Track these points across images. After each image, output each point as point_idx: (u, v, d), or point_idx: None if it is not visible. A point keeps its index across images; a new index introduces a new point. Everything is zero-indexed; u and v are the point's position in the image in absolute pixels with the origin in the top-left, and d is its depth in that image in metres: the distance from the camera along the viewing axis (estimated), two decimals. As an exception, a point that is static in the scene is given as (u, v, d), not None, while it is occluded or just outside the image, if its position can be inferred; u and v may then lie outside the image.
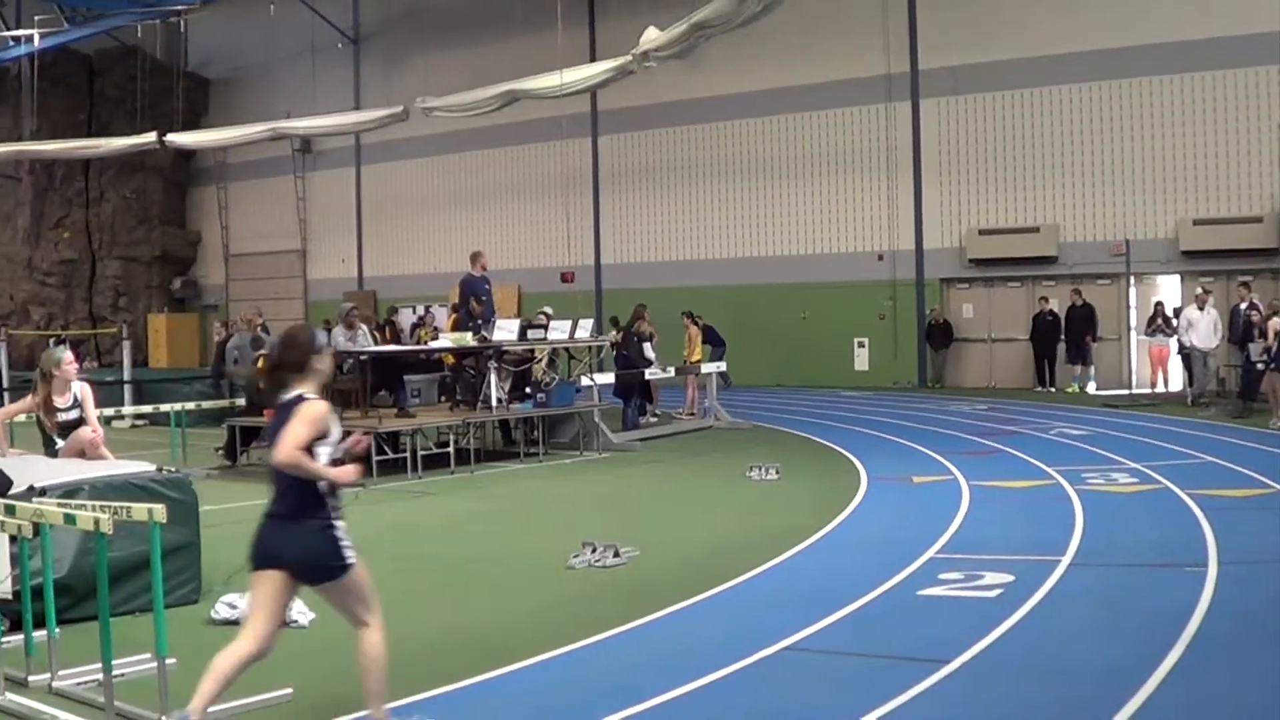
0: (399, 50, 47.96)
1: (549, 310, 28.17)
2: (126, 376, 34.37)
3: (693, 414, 30.30)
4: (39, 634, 9.71)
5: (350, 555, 8.04)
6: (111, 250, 54.18)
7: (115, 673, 8.60)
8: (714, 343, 36.30)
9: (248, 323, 29.35)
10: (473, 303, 25.26)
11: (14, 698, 9.22)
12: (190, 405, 25.52)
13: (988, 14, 36.44)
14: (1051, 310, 35.61)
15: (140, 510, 8.70)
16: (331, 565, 8.01)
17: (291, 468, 7.66)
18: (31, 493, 10.94)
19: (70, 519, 8.86)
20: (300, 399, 7.89)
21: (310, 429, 7.76)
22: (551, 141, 43.46)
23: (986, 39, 36.48)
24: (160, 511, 8.49)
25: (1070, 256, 35.96)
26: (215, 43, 53.67)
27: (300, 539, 7.92)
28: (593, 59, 38.19)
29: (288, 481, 7.81)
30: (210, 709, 7.99)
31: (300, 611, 11.19)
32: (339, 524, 8.00)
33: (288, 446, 7.63)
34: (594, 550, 13.74)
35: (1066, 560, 12.90)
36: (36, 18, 46.66)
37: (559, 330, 25.45)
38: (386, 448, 21.52)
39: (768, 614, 11.12)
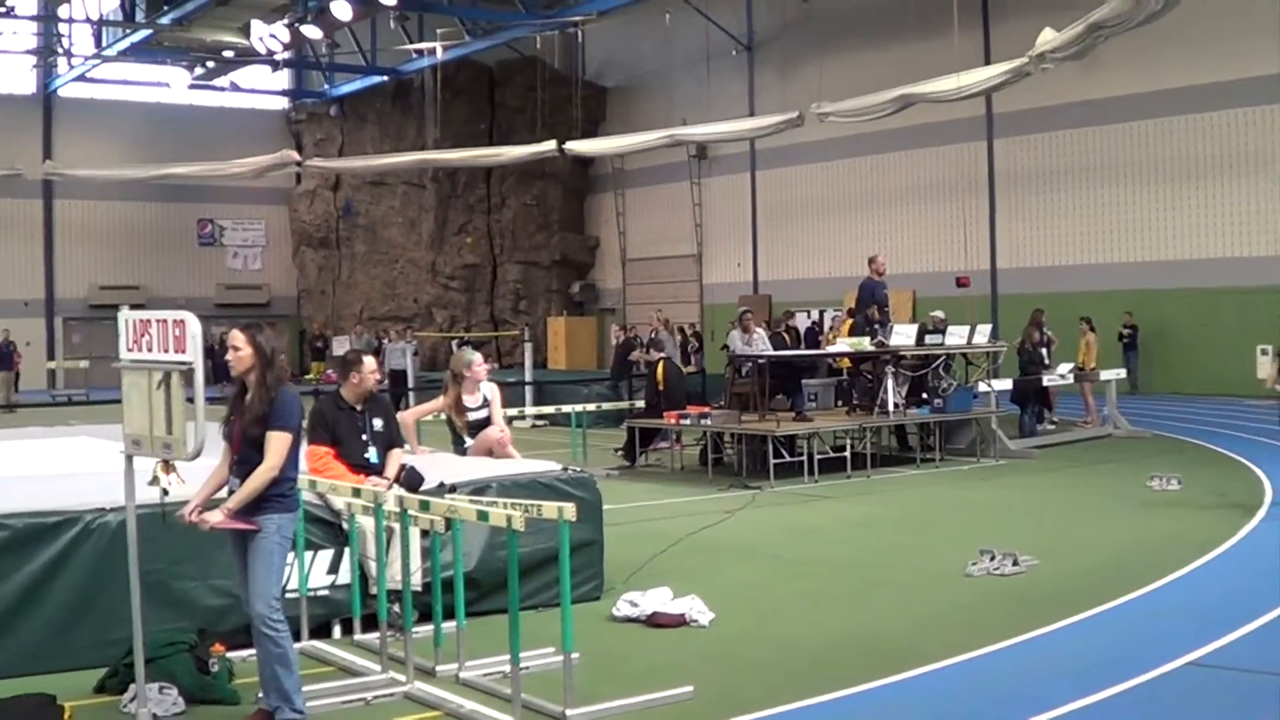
0: (793, 56, 48.05)
1: (940, 314, 27.88)
2: (528, 378, 35.14)
3: (1090, 421, 29.62)
4: (448, 625, 9.94)
5: None
6: (512, 255, 55.57)
7: (521, 666, 8.73)
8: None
9: (664, 323, 29.68)
10: (871, 308, 25.16)
11: (423, 686, 9.44)
12: (590, 406, 25.95)
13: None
14: None
15: (550, 508, 8.83)
16: None
17: None
18: (442, 489, 11.24)
19: (483, 516, 9.04)
20: None
21: None
22: (947, 145, 43.03)
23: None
24: (570, 510, 8.60)
25: None
26: (612, 52, 54.59)
27: None
28: (987, 61, 37.66)
29: None
30: (610, 705, 8.23)
31: (700, 611, 11.26)
32: None
33: None
34: (992, 558, 13.51)
35: None
36: (439, 31, 48.10)
37: (956, 335, 25.14)
38: (784, 451, 21.55)
39: (1169, 628, 10.79)
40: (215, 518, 8.36)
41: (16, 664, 9.77)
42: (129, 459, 8.28)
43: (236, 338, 8.49)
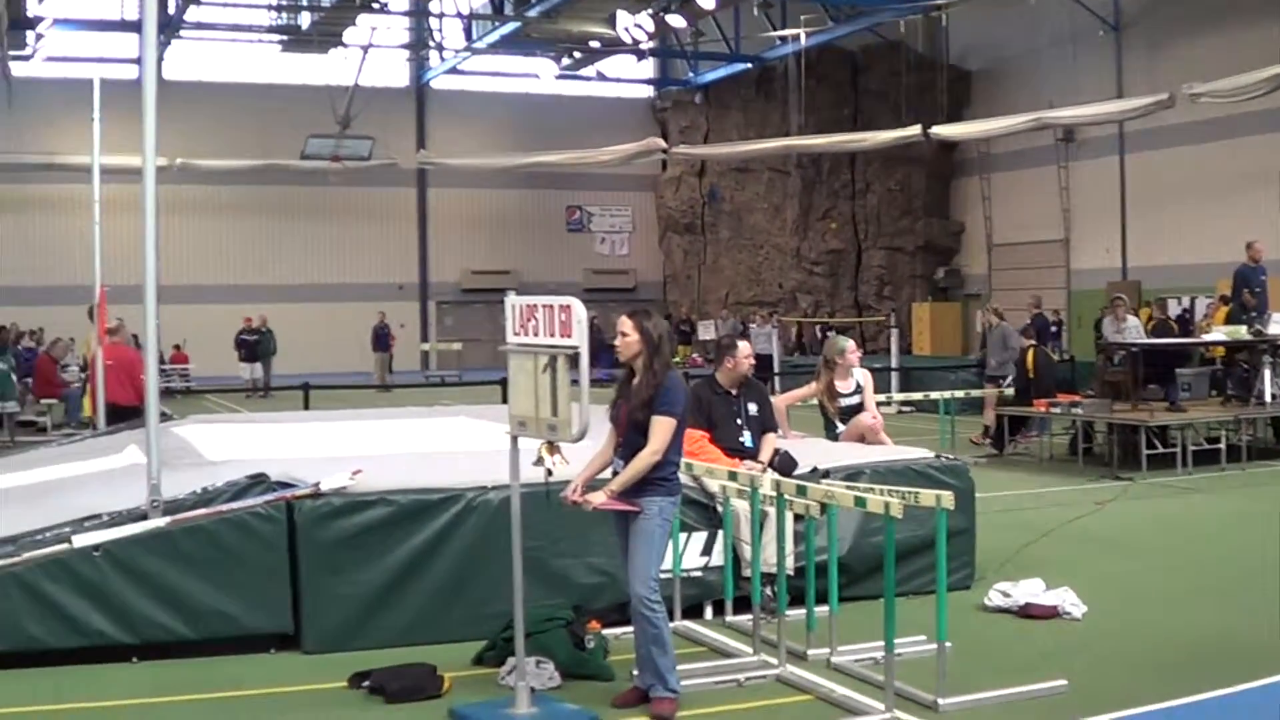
0: (1162, 36, 46.71)
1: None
2: (893, 364, 34.98)
3: None
4: (820, 610, 10.00)
5: None
6: (876, 241, 55.24)
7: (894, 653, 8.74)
8: None
9: (993, 311, 29.12)
10: (1246, 294, 24.42)
11: (794, 670, 9.53)
12: (958, 393, 25.62)
13: None
14: None
15: (928, 496, 8.82)
16: None
17: None
18: (815, 474, 11.31)
19: (860, 502, 9.07)
20: None
21: None
22: (1326, 124, 41.53)
23: None
24: (948, 498, 8.57)
25: None
26: (976, 34, 53.79)
27: None
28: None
29: None
30: (983, 695, 8.31)
31: (1073, 604, 11.12)
32: None
33: None
34: (1378, 557, 13.06)
35: None
36: (802, 17, 48.10)
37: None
38: (1156, 442, 21.04)
39: None
40: (598, 499, 8.55)
41: (398, 635, 10.20)
42: (514, 439, 8.53)
43: (625, 323, 8.67)
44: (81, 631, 9.74)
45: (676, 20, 46.60)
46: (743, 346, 12.17)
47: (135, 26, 48.07)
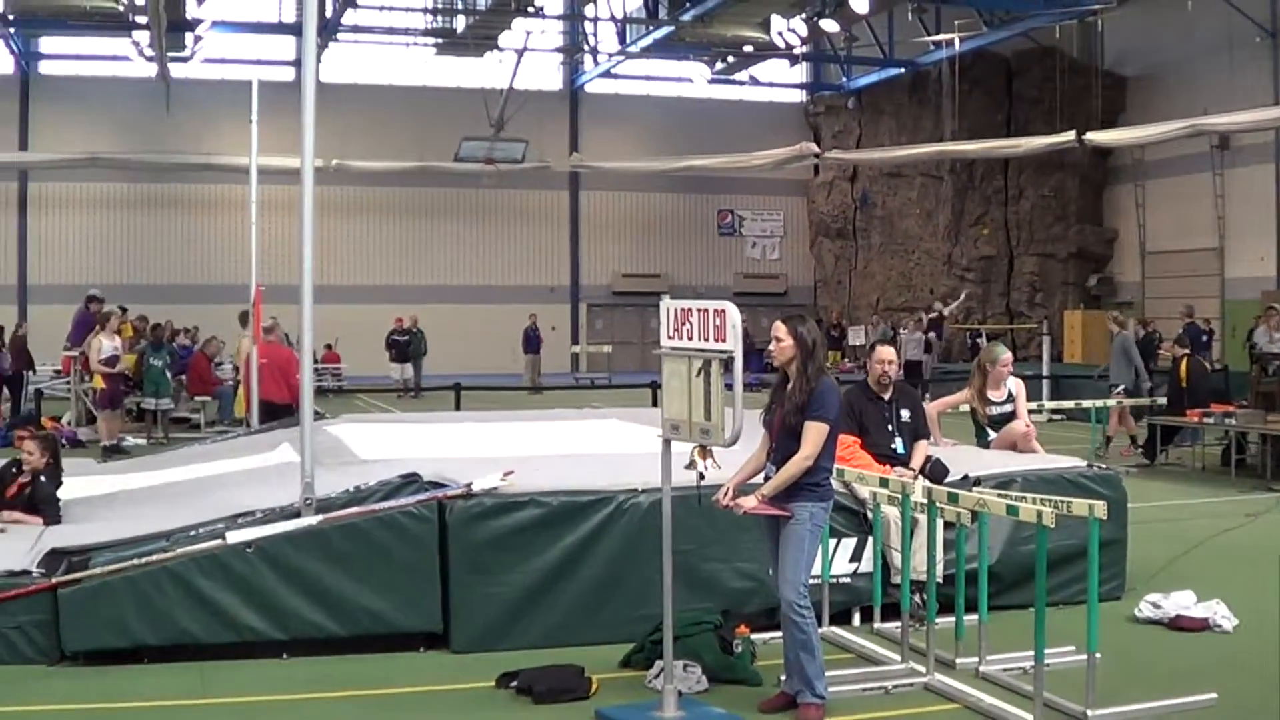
0: (1328, 41, 46.03)
1: None
2: (1044, 371, 34.66)
3: None
4: (969, 618, 9.96)
5: None
6: (1029, 247, 54.74)
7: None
8: None
9: (1115, 320, 28.63)
10: None
11: (941, 678, 9.50)
12: (1110, 402, 25.29)
13: None
14: None
15: (1081, 505, 8.75)
16: None
17: None
18: (967, 482, 11.25)
19: (1012, 510, 9.02)
20: None
21: None
22: None
23: None
24: (1101, 508, 8.52)
25: None
26: (1132, 40, 53.17)
27: None
28: None
29: None
30: (1132, 707, 8.30)
31: (1224, 617, 10.98)
32: None
33: None
34: None
35: None
36: (957, 22, 47.76)
37: None
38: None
39: None
40: (750, 503, 8.57)
41: (547, 636, 10.29)
42: (666, 443, 8.57)
43: (779, 329, 8.70)
44: (233, 626, 9.93)
45: (830, 25, 46.51)
46: (878, 350, 12.18)
47: (292, 29, 48.93)
